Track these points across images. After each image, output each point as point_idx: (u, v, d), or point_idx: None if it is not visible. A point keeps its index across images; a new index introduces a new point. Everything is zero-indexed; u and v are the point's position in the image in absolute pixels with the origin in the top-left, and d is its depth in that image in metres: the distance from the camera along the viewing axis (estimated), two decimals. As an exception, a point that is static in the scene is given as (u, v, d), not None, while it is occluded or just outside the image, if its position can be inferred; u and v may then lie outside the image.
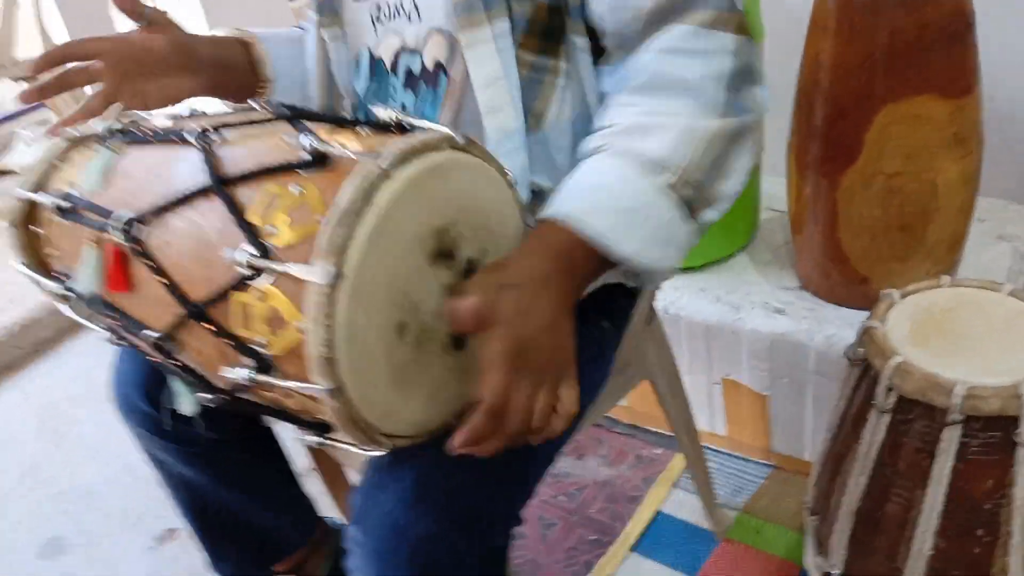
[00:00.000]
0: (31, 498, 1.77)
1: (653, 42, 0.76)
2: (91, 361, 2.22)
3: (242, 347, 0.67)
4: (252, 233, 0.65)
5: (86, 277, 0.77)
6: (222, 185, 0.68)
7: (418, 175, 0.65)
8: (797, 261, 1.43)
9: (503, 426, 0.65)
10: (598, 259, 0.72)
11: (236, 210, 0.67)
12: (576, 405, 0.69)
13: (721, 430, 1.50)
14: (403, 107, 0.93)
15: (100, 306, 0.78)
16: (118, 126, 0.83)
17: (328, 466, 1.33)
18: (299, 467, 1.22)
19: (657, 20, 0.76)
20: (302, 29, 1.07)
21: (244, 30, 1.02)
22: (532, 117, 0.86)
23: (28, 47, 2.89)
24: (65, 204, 0.79)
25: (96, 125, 0.85)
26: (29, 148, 3.37)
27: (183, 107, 0.87)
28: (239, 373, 0.67)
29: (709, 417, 1.49)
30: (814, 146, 1.26)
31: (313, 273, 0.61)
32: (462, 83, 0.87)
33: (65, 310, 0.89)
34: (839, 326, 1.31)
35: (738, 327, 1.36)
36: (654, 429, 1.60)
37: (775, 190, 1.61)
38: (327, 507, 1.30)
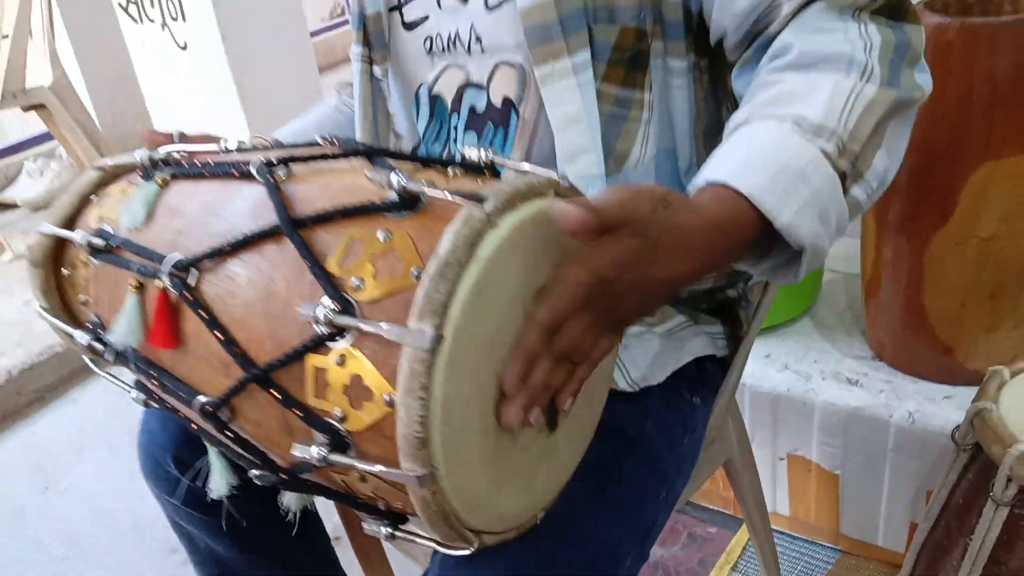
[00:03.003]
0: (14, 550, 1.64)
1: (792, 25, 0.66)
2: (94, 410, 2.10)
3: (314, 420, 0.56)
4: (333, 285, 0.55)
5: (124, 328, 0.66)
6: (295, 227, 0.58)
7: (524, 223, 0.56)
8: (868, 327, 1.33)
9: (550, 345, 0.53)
10: (749, 233, 0.57)
11: (313, 257, 0.57)
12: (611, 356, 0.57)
13: (784, 510, 1.38)
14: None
15: (137, 362, 0.67)
16: (160, 155, 0.73)
17: (362, 536, 1.21)
18: (328, 531, 1.10)
19: (793, 14, 0.66)
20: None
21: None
22: (613, 159, 0.77)
23: (38, 76, 2.82)
24: (100, 242, 0.69)
25: (135, 154, 0.75)
26: (33, 180, 3.29)
27: (230, 140, 0.77)
28: (311, 452, 0.56)
29: (771, 495, 1.37)
30: (898, 203, 1.17)
31: (409, 335, 0.51)
32: (534, 122, 0.77)
33: (92, 363, 0.79)
34: (920, 401, 1.20)
35: (809, 399, 1.25)
36: (706, 505, 1.47)
37: (834, 250, 1.53)
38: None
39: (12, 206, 3.29)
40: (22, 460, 1.94)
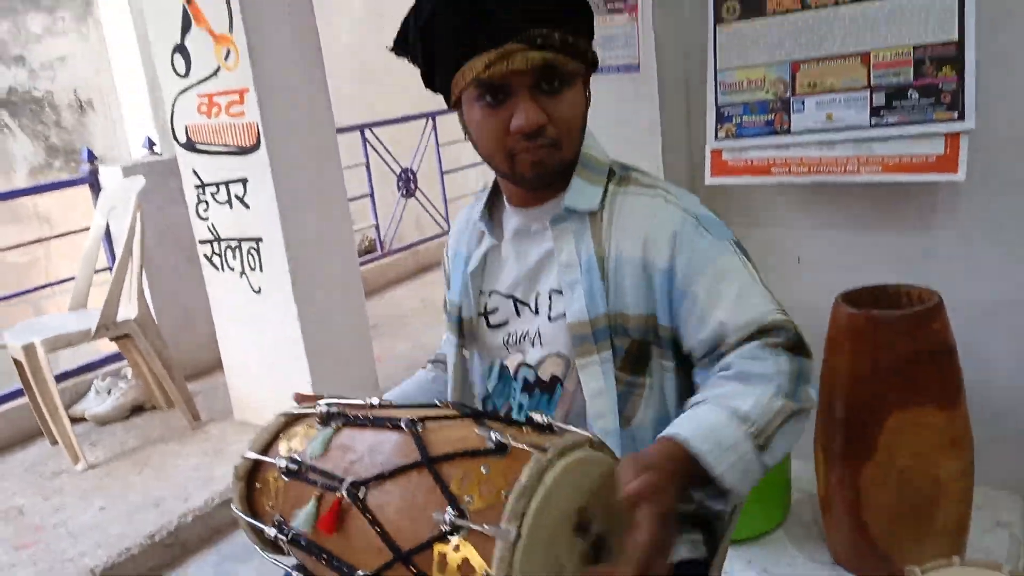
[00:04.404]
0: None
1: (734, 352, 1.07)
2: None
3: (438, 587, 0.91)
4: (454, 500, 0.92)
5: (303, 521, 1.01)
6: (432, 463, 0.96)
7: (571, 465, 0.92)
8: (827, 538, 1.66)
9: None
10: (694, 473, 0.96)
11: (443, 482, 0.94)
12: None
13: None
14: (520, 406, 1.24)
15: (312, 547, 1.02)
16: (335, 410, 1.12)
17: None
18: None
19: (736, 344, 1.08)
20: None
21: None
22: (624, 419, 1.17)
23: (125, 311, 3.26)
24: (294, 467, 1.06)
25: (315, 408, 1.13)
26: (101, 396, 3.67)
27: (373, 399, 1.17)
28: (435, 607, 0.90)
29: None
30: (837, 441, 1.54)
31: (501, 533, 0.86)
32: (574, 392, 1.19)
33: (261, 551, 1.14)
34: (869, 599, 1.51)
35: (782, 597, 1.56)
36: None
37: (800, 474, 1.88)
38: None
39: (81, 419, 3.65)
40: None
